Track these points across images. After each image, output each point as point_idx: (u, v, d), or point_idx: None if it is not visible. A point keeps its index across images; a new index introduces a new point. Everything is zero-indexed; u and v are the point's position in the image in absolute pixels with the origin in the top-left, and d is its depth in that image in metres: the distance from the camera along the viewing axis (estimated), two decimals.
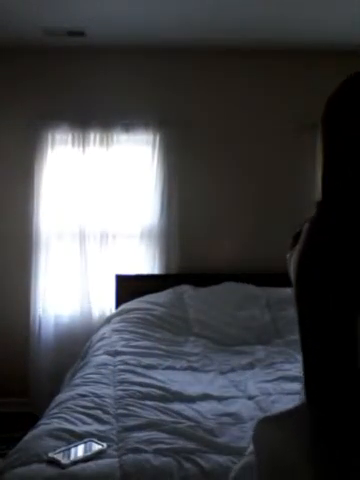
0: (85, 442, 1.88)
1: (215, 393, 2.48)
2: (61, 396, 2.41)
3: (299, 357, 3.07)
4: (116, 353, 3.02)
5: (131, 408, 2.21)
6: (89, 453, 1.80)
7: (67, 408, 2.17)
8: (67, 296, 4.05)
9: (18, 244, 4.03)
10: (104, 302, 4.05)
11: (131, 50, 4.00)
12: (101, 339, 3.33)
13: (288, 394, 2.40)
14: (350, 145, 0.98)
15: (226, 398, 2.42)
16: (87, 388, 2.44)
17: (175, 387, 2.50)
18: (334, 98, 1.03)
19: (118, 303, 3.91)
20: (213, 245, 4.11)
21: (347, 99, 1.00)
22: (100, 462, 1.76)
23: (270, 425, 1.05)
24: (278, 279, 3.90)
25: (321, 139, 1.06)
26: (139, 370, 2.75)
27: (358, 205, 0.92)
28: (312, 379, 0.92)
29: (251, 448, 1.16)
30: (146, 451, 1.82)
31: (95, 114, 4.02)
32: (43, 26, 3.63)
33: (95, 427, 2.03)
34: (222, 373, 2.87)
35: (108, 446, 1.86)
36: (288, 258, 1.11)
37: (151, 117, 4.03)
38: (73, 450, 1.81)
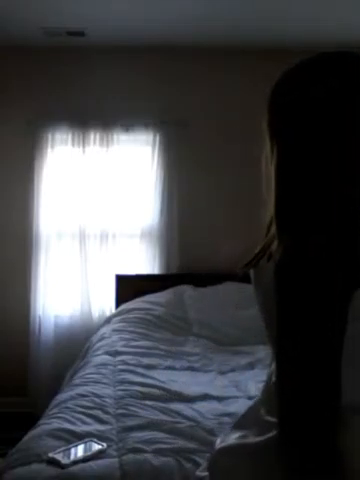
0: (85, 442, 1.87)
1: (215, 393, 2.47)
2: (61, 396, 2.40)
3: None
4: (116, 353, 3.02)
5: (131, 408, 2.21)
6: (89, 453, 1.80)
7: (67, 408, 2.17)
8: (67, 296, 4.05)
9: (18, 244, 4.03)
10: (104, 302, 4.05)
11: (131, 50, 4.00)
12: (101, 339, 3.33)
13: None
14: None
15: (226, 398, 2.42)
16: (87, 388, 2.44)
17: (175, 387, 2.50)
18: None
19: (118, 303, 3.91)
20: (213, 245, 4.11)
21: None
22: (100, 462, 1.76)
23: (231, 456, 0.98)
24: None
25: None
26: (139, 370, 2.75)
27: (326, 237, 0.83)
28: (289, 415, 0.83)
29: (204, 467, 1.09)
30: (146, 451, 1.81)
31: (95, 114, 4.02)
32: (43, 26, 3.63)
33: (95, 427, 2.02)
34: (222, 373, 2.87)
35: (108, 446, 1.86)
36: (252, 276, 1.06)
37: (151, 117, 4.03)
38: (73, 450, 1.81)
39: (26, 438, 1.94)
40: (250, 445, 0.95)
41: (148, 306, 3.66)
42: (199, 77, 4.12)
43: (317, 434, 0.80)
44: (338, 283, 0.81)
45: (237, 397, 2.43)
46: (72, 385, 2.55)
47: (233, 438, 1.01)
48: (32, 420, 2.31)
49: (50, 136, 4.00)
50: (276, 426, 0.86)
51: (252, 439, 0.95)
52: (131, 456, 1.78)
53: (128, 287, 3.91)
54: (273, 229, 0.98)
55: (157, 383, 2.53)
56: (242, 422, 1.03)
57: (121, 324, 3.49)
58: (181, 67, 4.11)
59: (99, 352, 3.07)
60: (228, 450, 1.00)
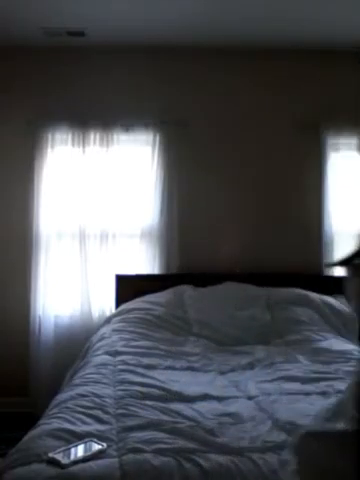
0: (85, 442, 1.87)
1: (215, 393, 2.47)
2: (61, 396, 2.40)
3: (299, 357, 3.08)
4: (116, 353, 3.02)
5: (131, 408, 2.20)
6: (89, 453, 1.79)
7: (67, 408, 2.17)
8: (67, 296, 4.06)
9: (18, 244, 4.03)
10: (104, 302, 4.05)
11: (131, 50, 4.00)
12: (101, 339, 3.33)
13: (288, 394, 2.40)
14: None
15: (226, 398, 2.42)
16: (87, 388, 2.43)
17: (175, 387, 2.50)
18: None
19: (118, 303, 3.91)
20: (213, 245, 4.11)
21: None
22: (100, 462, 1.76)
23: (318, 440, 1.05)
24: (278, 279, 3.91)
25: None
26: (139, 370, 2.75)
27: None
28: None
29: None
30: (146, 451, 1.81)
31: (95, 114, 4.03)
32: (43, 26, 3.64)
33: (95, 427, 2.02)
34: (222, 373, 2.87)
35: (108, 446, 1.86)
36: (347, 284, 1.11)
37: (151, 117, 4.03)
38: (73, 450, 1.81)
39: (26, 438, 1.94)
40: (337, 432, 1.01)
41: (148, 306, 3.66)
42: (199, 77, 4.13)
43: None
44: None
45: (237, 397, 2.43)
46: (72, 385, 2.55)
47: (320, 426, 1.07)
48: (32, 420, 2.31)
49: (50, 136, 4.00)
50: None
51: (338, 426, 1.02)
52: (131, 456, 1.78)
53: (128, 287, 3.91)
54: None
55: (157, 383, 2.53)
56: (337, 411, 1.09)
57: (121, 324, 3.49)
58: (181, 67, 4.11)
59: (99, 352, 3.07)
60: (315, 434, 1.08)
